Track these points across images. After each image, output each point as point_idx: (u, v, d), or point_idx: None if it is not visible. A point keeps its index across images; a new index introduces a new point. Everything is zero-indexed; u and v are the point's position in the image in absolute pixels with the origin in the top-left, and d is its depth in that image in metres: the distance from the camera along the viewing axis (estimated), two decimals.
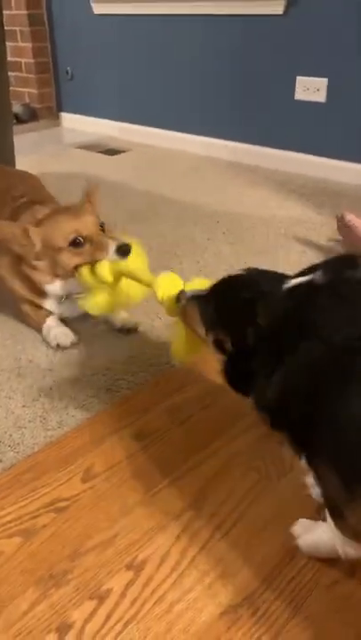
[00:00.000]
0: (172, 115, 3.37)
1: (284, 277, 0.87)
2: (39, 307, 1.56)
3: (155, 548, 0.96)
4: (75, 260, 1.41)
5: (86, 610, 0.87)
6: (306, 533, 0.94)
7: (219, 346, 0.94)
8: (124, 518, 1.02)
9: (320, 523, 0.92)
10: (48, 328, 1.53)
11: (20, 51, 3.98)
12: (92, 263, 1.36)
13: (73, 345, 1.49)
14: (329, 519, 0.83)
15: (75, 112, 4.05)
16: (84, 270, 1.37)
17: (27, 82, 4.11)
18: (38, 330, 1.56)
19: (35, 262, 1.46)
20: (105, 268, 1.32)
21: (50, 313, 1.56)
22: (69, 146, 3.59)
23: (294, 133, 2.91)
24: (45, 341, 1.52)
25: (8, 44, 3.85)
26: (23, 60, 4.03)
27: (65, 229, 1.40)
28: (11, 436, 1.21)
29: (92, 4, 3.53)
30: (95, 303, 1.36)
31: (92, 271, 1.35)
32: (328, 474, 0.77)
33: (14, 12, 3.83)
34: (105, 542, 0.97)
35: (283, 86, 2.86)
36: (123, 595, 0.89)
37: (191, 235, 2.18)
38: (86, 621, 0.85)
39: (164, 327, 1.57)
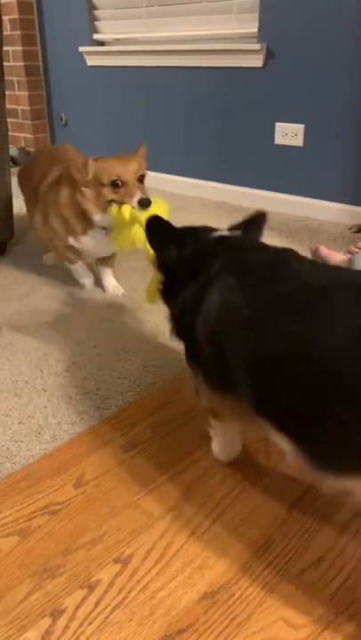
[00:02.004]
0: (160, 158, 3.58)
1: (214, 230, 1.19)
2: (72, 251, 2.04)
3: (140, 543, 1.06)
4: (110, 196, 1.78)
5: (77, 597, 0.96)
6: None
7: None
8: (113, 519, 1.11)
9: None
10: (75, 269, 2.14)
11: (17, 99, 4.22)
12: (120, 204, 1.75)
13: (90, 285, 2.15)
14: None
15: None
16: (114, 207, 1.77)
17: (22, 127, 4.33)
18: (70, 264, 2.12)
19: (83, 189, 1.84)
20: (127, 210, 1.72)
21: (80, 258, 2.08)
22: None
23: (275, 175, 3.11)
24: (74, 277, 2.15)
25: (6, 92, 4.10)
26: (20, 108, 4.25)
27: (111, 171, 1.78)
28: (8, 449, 1.30)
29: (86, 57, 3.77)
30: (116, 238, 1.79)
31: (119, 210, 1.75)
32: (195, 372, 1.12)
33: (12, 63, 4.08)
34: (95, 540, 1.07)
35: (263, 132, 3.07)
36: (111, 584, 0.98)
37: None
38: (77, 607, 0.94)
39: (151, 351, 1.69)
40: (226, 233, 1.17)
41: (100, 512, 1.13)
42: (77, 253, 2.05)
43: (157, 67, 3.42)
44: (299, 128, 2.94)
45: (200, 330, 1.02)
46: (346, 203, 2.85)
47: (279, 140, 3.04)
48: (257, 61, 2.97)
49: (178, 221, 1.22)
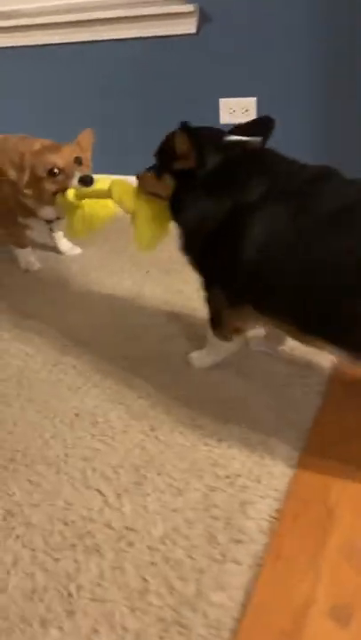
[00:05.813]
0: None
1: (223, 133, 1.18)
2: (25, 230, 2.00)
3: None
4: (52, 187, 1.70)
5: None
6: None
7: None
8: None
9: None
10: (22, 253, 2.04)
11: None
12: (64, 190, 1.62)
13: (37, 269, 2.04)
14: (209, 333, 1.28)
15: None
16: (59, 196, 1.66)
17: None
18: (17, 247, 2.03)
19: (25, 190, 1.75)
20: (71, 192, 1.58)
21: (28, 242, 2.04)
22: None
23: None
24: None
25: None
26: None
27: (46, 160, 1.69)
28: None
29: None
30: (70, 226, 1.58)
31: (64, 197, 1.61)
32: (214, 289, 1.18)
33: None
34: None
35: (206, 110, 2.59)
36: None
37: None
38: None
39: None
40: (243, 138, 1.16)
41: None
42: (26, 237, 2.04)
43: (54, 44, 2.78)
44: (250, 102, 2.50)
45: (248, 253, 1.03)
46: None
47: (226, 118, 2.57)
48: (189, 26, 2.49)
49: None
